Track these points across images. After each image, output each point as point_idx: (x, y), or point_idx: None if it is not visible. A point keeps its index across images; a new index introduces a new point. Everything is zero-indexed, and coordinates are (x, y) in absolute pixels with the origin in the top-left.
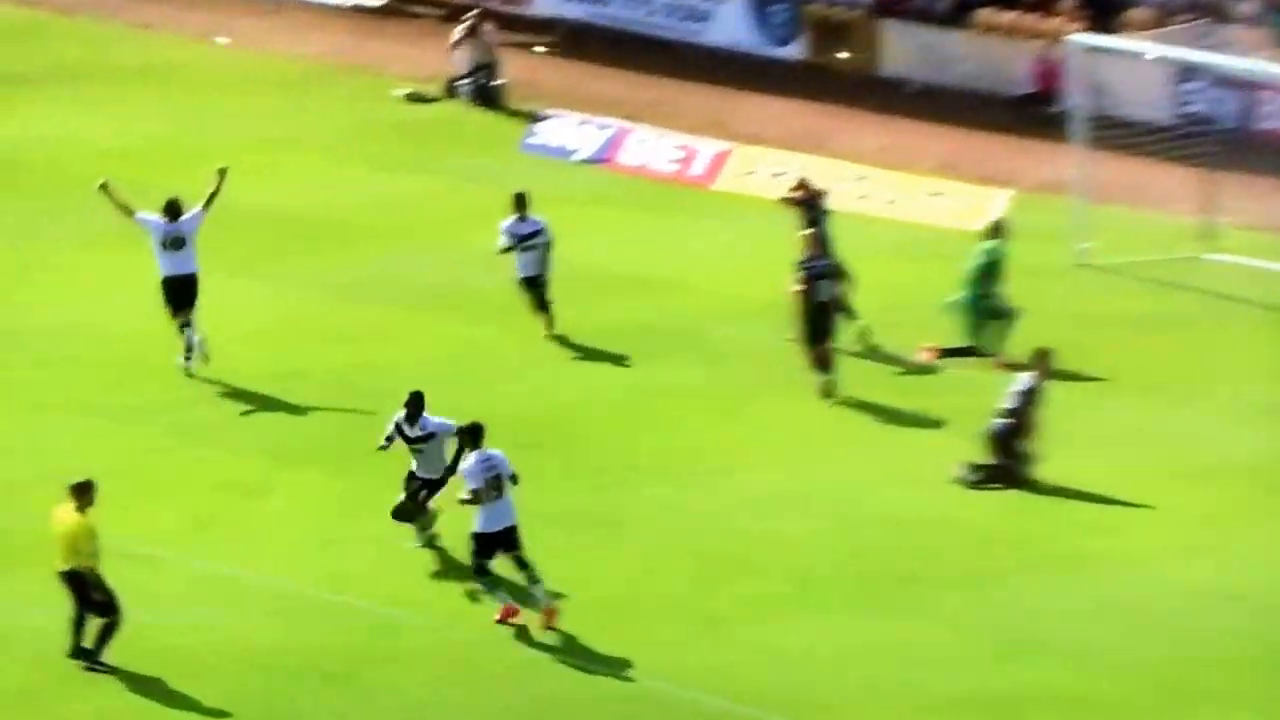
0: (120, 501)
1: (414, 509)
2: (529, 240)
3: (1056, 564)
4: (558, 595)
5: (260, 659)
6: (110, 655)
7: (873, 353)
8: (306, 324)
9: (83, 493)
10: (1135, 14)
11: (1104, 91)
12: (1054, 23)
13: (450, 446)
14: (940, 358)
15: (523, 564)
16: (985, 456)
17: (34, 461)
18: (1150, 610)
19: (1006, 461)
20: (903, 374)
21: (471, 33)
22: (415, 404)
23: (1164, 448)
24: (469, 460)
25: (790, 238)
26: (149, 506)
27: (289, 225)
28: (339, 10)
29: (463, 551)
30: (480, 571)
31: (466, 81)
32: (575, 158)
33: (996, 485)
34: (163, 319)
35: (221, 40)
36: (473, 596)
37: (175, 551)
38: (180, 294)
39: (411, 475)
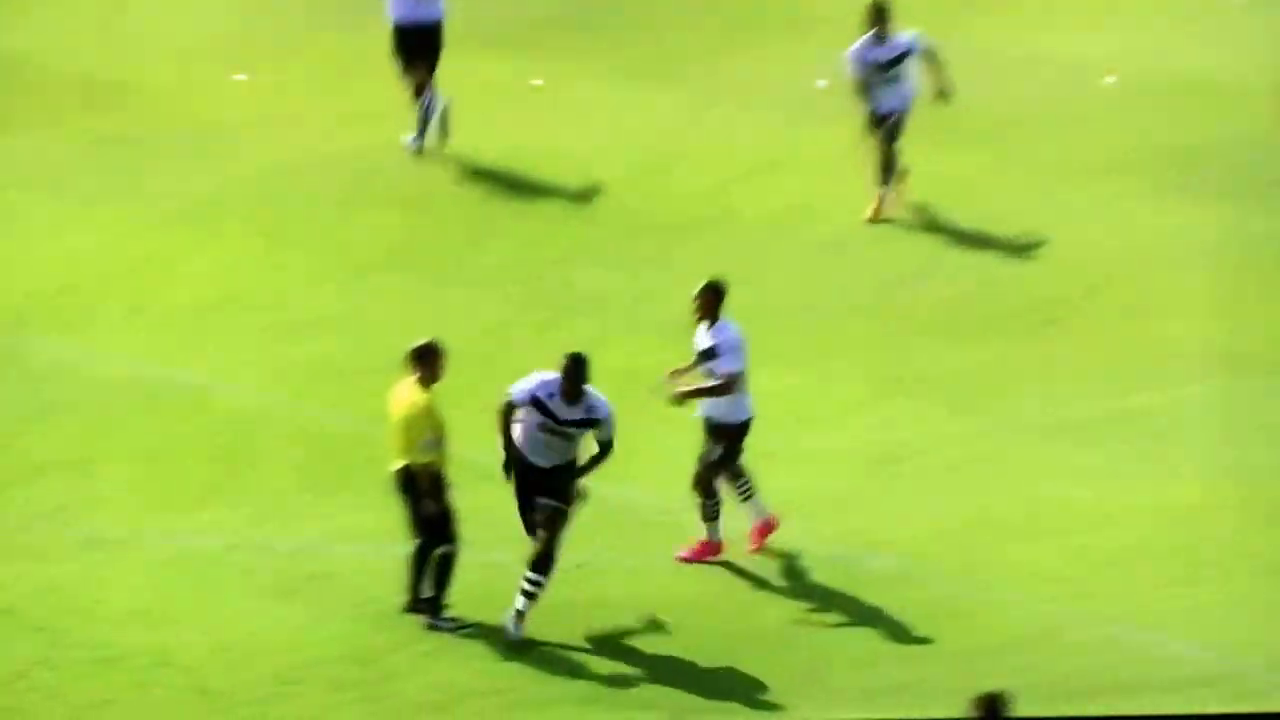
0: None
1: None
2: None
3: None
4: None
5: None
6: (452, 605)
7: None
8: None
9: (425, 359)
10: None
11: None
12: None
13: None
14: None
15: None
16: None
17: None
18: None
19: None
20: None
21: None
22: (576, 371)
23: None
24: (725, 333)
25: None
26: None
27: None
28: None
29: None
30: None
31: None
32: None
33: None
34: None
35: None
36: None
37: None
38: (418, 45)
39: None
